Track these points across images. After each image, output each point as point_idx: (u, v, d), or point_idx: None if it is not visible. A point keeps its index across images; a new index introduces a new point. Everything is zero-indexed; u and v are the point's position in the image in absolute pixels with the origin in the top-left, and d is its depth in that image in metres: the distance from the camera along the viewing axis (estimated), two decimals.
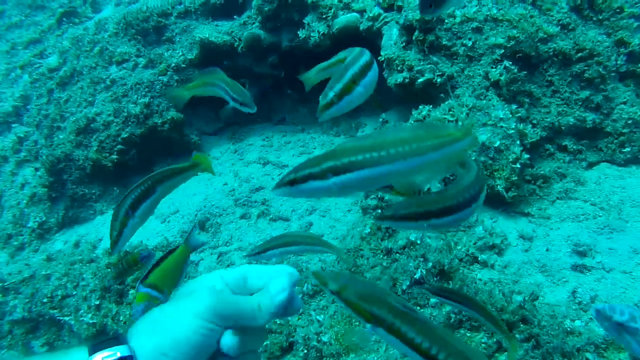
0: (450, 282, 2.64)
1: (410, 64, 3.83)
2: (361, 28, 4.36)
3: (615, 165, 3.56)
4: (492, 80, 3.58)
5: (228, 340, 0.82)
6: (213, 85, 2.44)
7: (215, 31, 5.17)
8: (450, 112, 3.48)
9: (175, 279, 1.86)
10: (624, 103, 3.68)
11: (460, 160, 1.48)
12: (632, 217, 3.05)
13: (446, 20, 3.80)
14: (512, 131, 3.29)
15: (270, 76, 5.34)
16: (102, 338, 0.81)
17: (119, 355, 0.78)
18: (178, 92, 2.44)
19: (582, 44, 3.72)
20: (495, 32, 3.73)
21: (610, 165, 3.52)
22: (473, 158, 3.21)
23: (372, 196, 3.62)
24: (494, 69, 3.61)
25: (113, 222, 1.80)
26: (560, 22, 3.82)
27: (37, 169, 5.44)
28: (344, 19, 4.43)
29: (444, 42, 3.78)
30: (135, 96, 5.10)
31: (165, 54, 5.27)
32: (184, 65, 5.21)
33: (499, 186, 3.16)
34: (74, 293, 4.40)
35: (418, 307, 2.60)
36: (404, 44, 3.97)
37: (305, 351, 2.68)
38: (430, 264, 2.70)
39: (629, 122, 3.61)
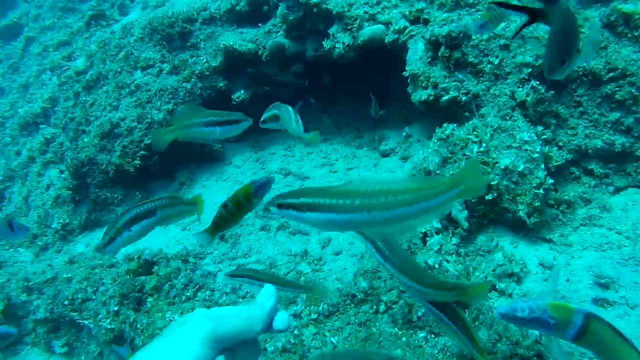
0: (466, 310, 2.67)
1: (435, 80, 3.85)
2: (386, 40, 4.38)
3: None
4: (518, 100, 3.57)
5: None
6: (193, 127, 2.48)
7: (239, 39, 5.26)
8: (475, 133, 3.48)
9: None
10: None
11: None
12: None
13: (473, 37, 3.80)
14: (537, 155, 3.27)
15: (293, 85, 5.41)
16: None
17: None
18: (158, 134, 2.46)
19: (614, 63, 3.66)
20: (523, 50, 3.71)
21: (639, 191, 3.46)
22: (495, 182, 3.21)
23: None
24: (520, 89, 3.60)
25: (110, 228, 1.92)
26: None
27: (62, 171, 5.62)
28: (369, 30, 4.46)
29: (470, 59, 3.77)
30: (159, 102, 5.23)
31: (190, 60, 5.39)
32: (208, 73, 5.32)
33: (520, 211, 3.15)
34: (94, 297, 4.56)
35: (432, 335, 2.63)
36: (429, 59, 3.98)
37: None
38: None
39: None
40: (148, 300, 4.17)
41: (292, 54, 5.13)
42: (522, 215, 3.14)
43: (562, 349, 1.86)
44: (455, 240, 3.28)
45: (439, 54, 3.87)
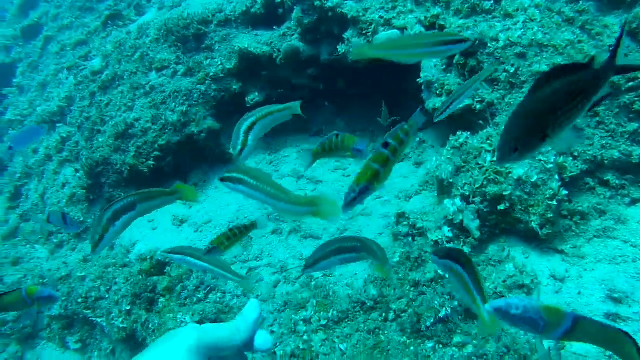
0: (475, 321, 2.70)
1: (449, 88, 3.87)
2: None
3: None
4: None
5: None
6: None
7: (254, 41, 5.32)
8: (489, 142, 3.50)
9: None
10: None
11: None
12: None
13: (489, 45, 3.81)
14: (551, 165, 3.29)
15: (308, 88, 5.46)
16: None
17: None
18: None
19: (635, 73, 3.65)
20: (540, 59, 3.71)
21: None
22: (508, 192, 3.23)
23: (404, 223, 3.69)
24: None
25: (96, 227, 2.02)
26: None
27: (77, 170, 5.75)
28: (385, 35, 4.48)
29: (485, 67, 3.79)
30: (174, 104, 5.32)
31: (204, 62, 5.47)
32: (222, 75, 5.39)
33: (533, 222, 3.17)
34: (107, 296, 4.67)
35: (440, 346, 2.67)
36: (444, 66, 4.01)
37: None
38: (455, 303, 2.76)
39: None
40: (160, 300, 4.27)
41: (306, 57, 5.18)
42: (534, 226, 3.16)
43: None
44: (466, 249, 3.31)
45: (454, 62, 3.89)
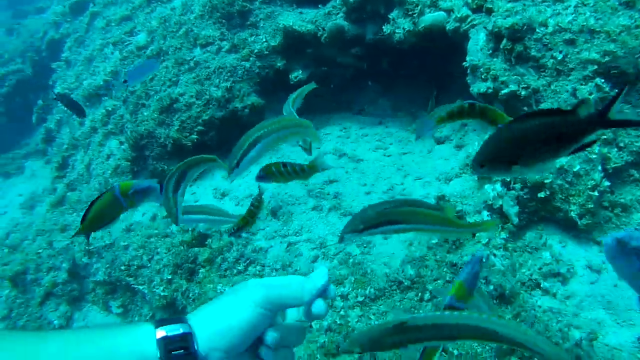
0: (509, 306, 2.86)
1: (495, 73, 3.96)
2: (447, 28, 4.50)
3: None
4: (579, 98, 3.64)
5: (270, 335, 1.03)
6: None
7: (299, 19, 5.48)
8: None
9: None
10: None
11: None
12: None
13: (537, 30, 3.87)
14: (595, 156, 3.37)
15: (352, 67, 5.60)
16: (166, 317, 1.03)
17: (181, 331, 0.95)
18: None
19: None
20: (590, 46, 3.75)
21: None
22: (549, 180, 3.35)
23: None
24: (583, 86, 3.67)
25: (167, 202, 2.26)
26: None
27: (121, 143, 6.08)
28: (431, 17, 4.58)
29: (532, 53, 3.86)
30: (218, 80, 5.56)
31: (249, 39, 5.67)
32: (267, 52, 5.59)
33: (572, 212, 3.29)
34: (149, 265, 5.00)
35: None
36: (490, 51, 4.09)
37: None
38: (491, 287, 2.93)
39: None
40: (200, 271, 4.56)
41: (351, 36, 5.32)
42: (573, 216, 3.28)
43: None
44: (504, 235, 3.45)
45: (501, 46, 3.97)
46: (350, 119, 5.81)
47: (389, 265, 3.77)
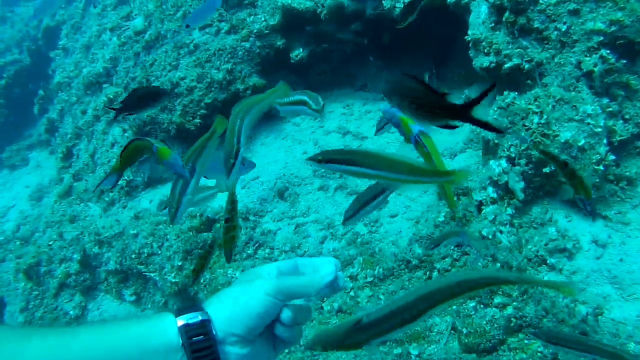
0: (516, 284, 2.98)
1: (497, 47, 4.00)
2: (448, 1, 4.52)
3: None
4: (584, 70, 3.69)
5: (285, 313, 1.17)
6: None
7: None
8: (536, 103, 3.65)
9: None
10: None
11: None
12: None
13: (540, 1, 3.89)
14: (600, 129, 3.44)
15: (352, 43, 5.65)
16: (184, 306, 1.17)
17: (200, 318, 1.06)
18: None
19: None
20: (595, 15, 3.77)
21: None
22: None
23: None
24: (588, 58, 3.71)
25: (171, 202, 2.39)
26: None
27: (124, 130, 6.20)
28: None
29: (535, 25, 3.89)
30: (218, 62, 5.63)
31: (248, 19, 5.71)
32: (267, 32, 5.63)
33: None
34: (159, 252, 5.16)
35: (482, 306, 2.98)
36: (492, 24, 4.12)
37: None
38: (498, 265, 3.04)
39: None
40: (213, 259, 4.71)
41: (351, 12, 5.35)
42: None
43: None
44: (510, 210, 3.55)
45: (503, 19, 4.00)
46: (353, 95, 5.87)
47: (396, 244, 3.89)
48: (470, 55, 4.27)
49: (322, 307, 3.67)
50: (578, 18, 3.82)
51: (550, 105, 3.61)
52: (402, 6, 4.77)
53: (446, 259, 3.45)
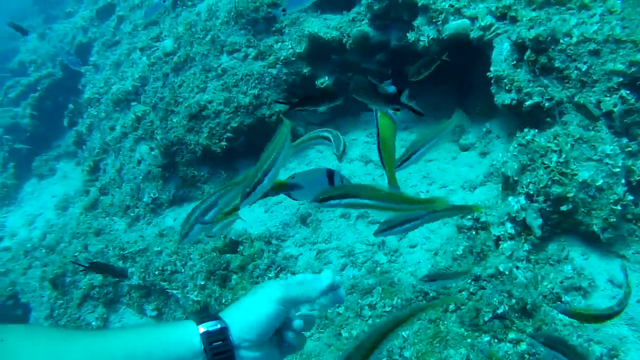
0: (530, 320, 3.08)
1: (519, 85, 4.12)
2: (471, 36, 4.66)
3: None
4: (603, 110, 3.79)
5: (297, 322, 1.33)
6: None
7: (324, 26, 5.69)
8: (555, 141, 3.76)
9: None
10: None
11: None
12: None
13: (561, 41, 4.01)
14: (618, 169, 3.53)
15: (377, 73, 5.80)
16: (204, 315, 1.30)
17: (219, 326, 1.20)
18: None
19: None
20: (615, 57, 3.88)
21: None
22: (572, 194, 3.52)
23: (469, 216, 4.05)
24: (607, 98, 3.81)
25: (184, 224, 2.52)
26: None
27: (152, 149, 6.41)
28: (455, 25, 4.74)
29: (556, 65, 4.01)
30: (245, 87, 5.84)
31: (275, 46, 5.91)
32: (293, 59, 5.83)
33: (595, 226, 3.46)
34: (182, 270, 5.33)
35: (496, 340, 3.08)
36: (514, 61, 4.24)
37: None
38: (513, 301, 3.14)
39: None
40: (233, 277, 4.87)
41: (375, 43, 5.51)
42: (595, 229, 3.45)
43: None
44: (527, 246, 3.65)
45: (525, 57, 4.13)
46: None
47: (415, 275, 4.01)
48: (492, 91, 4.39)
49: (340, 334, 3.80)
50: (598, 58, 3.93)
51: (569, 144, 3.71)
52: (426, 39, 4.91)
53: (463, 292, 3.56)
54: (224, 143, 5.83)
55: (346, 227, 4.81)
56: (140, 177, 6.43)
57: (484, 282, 3.51)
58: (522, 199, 3.74)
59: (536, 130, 3.96)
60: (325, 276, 1.35)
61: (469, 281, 3.57)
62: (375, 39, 5.50)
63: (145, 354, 1.14)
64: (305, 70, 5.86)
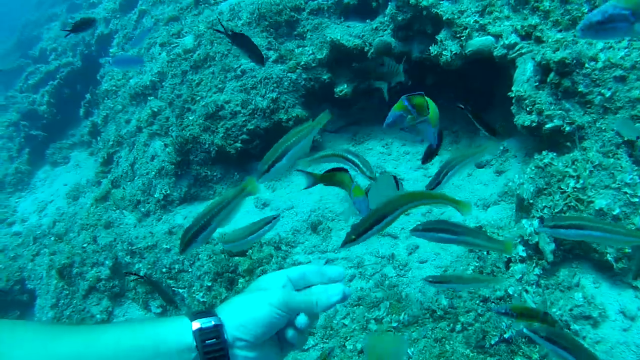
0: (537, 346, 3.08)
1: (540, 107, 4.12)
2: (495, 54, 4.66)
3: None
4: (625, 138, 3.79)
5: (302, 319, 1.26)
6: None
7: (346, 33, 5.72)
8: (574, 166, 3.77)
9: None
10: None
11: None
12: None
13: (587, 65, 4.01)
14: (637, 199, 3.52)
15: (397, 83, 5.82)
16: (198, 311, 1.24)
17: (213, 323, 1.14)
18: None
19: None
20: None
21: None
22: None
23: None
24: None
25: (181, 242, 2.53)
26: None
27: (166, 145, 6.47)
28: (479, 41, 4.74)
29: (580, 89, 4.00)
30: (264, 90, 5.88)
31: (296, 50, 5.95)
32: (314, 65, 5.86)
33: (608, 255, 3.46)
34: (190, 270, 5.39)
35: None
36: (537, 82, 4.24)
37: None
38: (521, 326, 3.14)
39: None
40: (240, 281, 4.91)
41: (397, 53, 5.52)
42: (609, 259, 3.45)
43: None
44: (537, 271, 3.65)
45: (548, 80, 4.12)
46: (392, 134, 6.04)
47: (423, 292, 4.02)
48: (513, 111, 4.39)
49: (344, 346, 3.82)
50: (624, 85, 3.92)
51: (587, 170, 3.71)
52: (449, 54, 4.92)
53: (470, 313, 3.57)
54: (239, 145, 5.88)
55: None
56: (153, 173, 6.49)
57: (492, 304, 3.52)
58: (536, 223, 3.74)
59: (555, 154, 3.96)
60: (335, 292, 1.28)
61: (478, 302, 3.58)
62: (397, 49, 5.52)
63: (136, 349, 1.11)
64: (325, 77, 5.89)
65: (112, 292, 6.08)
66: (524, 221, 3.82)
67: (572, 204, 3.62)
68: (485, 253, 3.92)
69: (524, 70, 4.36)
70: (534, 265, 3.69)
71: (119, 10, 10.15)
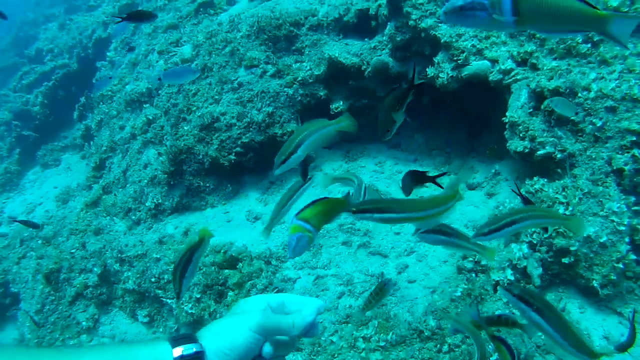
0: None
1: (533, 133, 4.24)
2: (490, 79, 4.78)
3: None
4: (614, 167, 3.90)
5: (266, 348, 1.29)
6: None
7: (344, 51, 5.83)
8: (563, 193, 3.88)
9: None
10: None
11: None
12: None
13: (579, 94, 4.13)
14: (623, 228, 3.63)
15: (393, 99, 5.92)
16: (179, 336, 1.21)
17: (194, 350, 1.16)
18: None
19: None
20: (631, 115, 3.99)
21: None
22: (575, 248, 3.62)
23: (470, 258, 4.15)
24: (619, 155, 3.92)
25: (174, 283, 2.62)
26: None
27: (160, 154, 6.52)
28: (475, 65, 4.86)
29: (572, 118, 4.12)
30: (260, 104, 5.96)
31: (294, 65, 6.05)
32: (311, 80, 5.96)
33: (595, 281, 3.56)
34: None
35: None
36: (531, 109, 4.36)
37: None
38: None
39: None
40: (229, 294, 4.95)
41: (395, 73, 5.64)
42: (595, 285, 3.55)
43: None
44: None
45: (542, 107, 4.24)
46: (385, 152, 6.13)
47: (411, 312, 4.09)
48: (506, 136, 4.50)
49: None
50: (614, 115, 4.04)
51: (577, 198, 3.82)
52: (445, 76, 5.03)
53: (457, 335, 3.64)
54: (232, 157, 5.95)
55: (347, 255, 4.90)
56: (145, 181, 6.54)
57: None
58: (525, 248, 3.84)
59: (545, 180, 4.08)
60: (307, 312, 1.33)
61: None
62: (394, 69, 5.63)
63: None
64: (321, 93, 5.99)
65: (100, 299, 6.10)
66: (513, 245, 3.92)
67: (560, 230, 3.72)
68: (474, 275, 4.01)
69: (519, 97, 4.48)
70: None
71: (118, 14, 10.22)
